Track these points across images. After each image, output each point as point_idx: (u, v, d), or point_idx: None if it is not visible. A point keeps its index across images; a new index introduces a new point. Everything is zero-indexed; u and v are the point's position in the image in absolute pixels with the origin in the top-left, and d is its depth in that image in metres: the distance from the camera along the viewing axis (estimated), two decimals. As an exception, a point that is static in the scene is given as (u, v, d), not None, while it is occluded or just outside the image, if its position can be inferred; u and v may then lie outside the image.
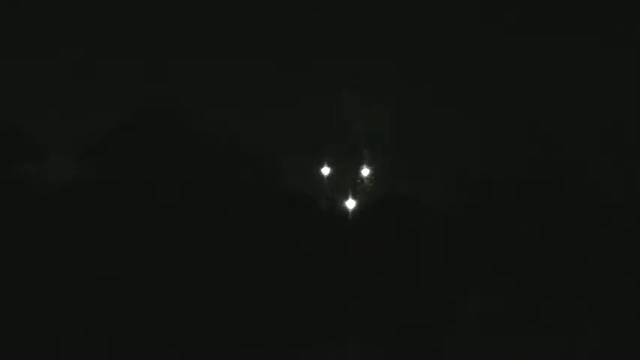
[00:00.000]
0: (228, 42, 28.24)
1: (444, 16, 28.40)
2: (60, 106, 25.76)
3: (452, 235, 23.05)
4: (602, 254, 22.62)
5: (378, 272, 22.42)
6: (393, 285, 22.39)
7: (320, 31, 27.79)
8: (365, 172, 24.63)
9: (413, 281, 22.41)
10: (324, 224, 23.45)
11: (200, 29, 28.36)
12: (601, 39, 26.77)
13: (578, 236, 22.86)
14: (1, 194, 22.28)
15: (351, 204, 24.48)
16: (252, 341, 21.24)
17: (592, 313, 21.90)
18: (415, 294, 22.26)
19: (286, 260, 22.05)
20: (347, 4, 28.28)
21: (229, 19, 28.51)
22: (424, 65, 27.30)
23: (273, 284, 21.75)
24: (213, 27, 28.48)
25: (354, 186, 24.50)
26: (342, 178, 24.68)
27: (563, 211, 23.07)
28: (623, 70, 25.52)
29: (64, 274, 21.46)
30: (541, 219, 22.94)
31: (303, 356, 21.15)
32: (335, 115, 24.66)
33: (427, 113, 25.61)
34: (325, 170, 24.66)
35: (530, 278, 22.21)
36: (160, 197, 22.50)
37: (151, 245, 21.85)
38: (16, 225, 21.81)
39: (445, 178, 23.83)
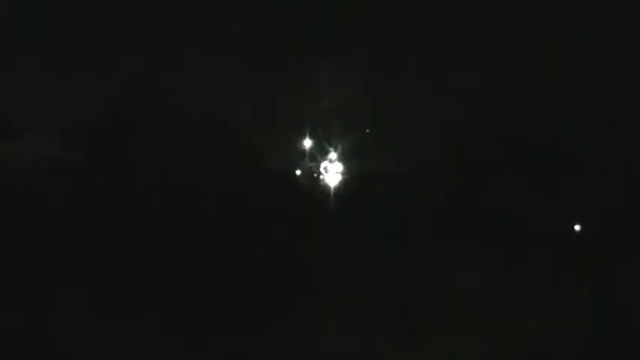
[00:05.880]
0: (210, 28, 28.37)
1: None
2: (40, 88, 25.92)
3: (435, 210, 23.21)
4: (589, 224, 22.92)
5: (361, 250, 22.54)
6: (379, 263, 22.49)
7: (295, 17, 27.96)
8: (344, 149, 24.87)
9: (397, 258, 22.53)
10: (306, 201, 23.65)
11: (183, 17, 28.51)
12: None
13: (565, 207, 23.09)
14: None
15: (332, 181, 24.75)
16: (234, 325, 21.26)
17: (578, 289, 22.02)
18: (401, 270, 22.36)
19: (270, 237, 22.15)
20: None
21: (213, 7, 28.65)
22: (401, 41, 27.39)
23: (256, 263, 21.81)
24: (197, 14, 28.62)
25: (336, 163, 24.76)
26: (323, 156, 24.96)
27: (548, 182, 23.27)
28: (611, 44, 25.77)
29: (41, 258, 21.49)
30: (525, 190, 23.10)
31: (292, 333, 21.13)
32: (313, 95, 24.93)
33: (405, 88, 25.85)
34: (306, 147, 25.01)
35: (515, 252, 22.35)
36: (142, 178, 22.62)
37: (132, 228, 21.91)
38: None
39: (424, 152, 24.08)
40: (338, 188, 24.64)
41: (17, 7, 27.35)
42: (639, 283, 21.83)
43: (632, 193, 23.24)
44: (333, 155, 25.02)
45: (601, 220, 23.06)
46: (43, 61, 26.93)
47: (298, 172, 25.26)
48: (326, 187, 24.85)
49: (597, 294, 21.51)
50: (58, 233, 21.75)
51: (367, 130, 24.82)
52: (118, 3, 28.15)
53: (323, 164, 24.95)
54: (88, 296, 20.97)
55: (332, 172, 24.89)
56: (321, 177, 25.04)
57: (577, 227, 23.21)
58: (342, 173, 24.88)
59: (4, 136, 23.19)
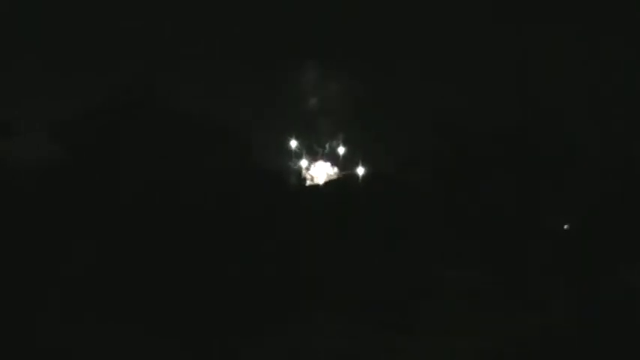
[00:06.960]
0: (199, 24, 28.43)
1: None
2: (40, 88, 26.01)
3: (434, 210, 23.20)
4: (589, 224, 22.90)
5: (360, 250, 22.53)
6: (378, 263, 22.49)
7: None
8: (343, 149, 24.98)
9: (397, 258, 22.51)
10: (306, 201, 23.66)
11: (183, 17, 28.54)
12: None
13: (564, 207, 23.10)
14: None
15: (331, 181, 24.85)
16: (233, 325, 21.23)
17: (577, 288, 22.01)
18: (400, 270, 22.36)
19: (269, 237, 22.13)
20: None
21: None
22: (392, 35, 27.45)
23: (256, 263, 21.79)
24: (197, 14, 28.65)
25: (335, 163, 24.91)
26: (323, 156, 25.08)
27: (548, 182, 23.29)
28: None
29: (41, 257, 21.45)
30: (525, 189, 23.11)
31: (283, 333, 21.14)
32: (313, 95, 25.05)
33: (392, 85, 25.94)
34: (295, 144, 25.16)
35: (515, 252, 22.34)
36: (142, 178, 22.61)
37: (132, 227, 21.88)
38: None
39: (423, 151, 24.11)
40: (337, 188, 24.72)
41: (17, 7, 27.42)
42: (638, 283, 21.89)
43: (631, 193, 23.26)
44: (332, 155, 25.21)
45: (601, 219, 23.07)
46: (43, 61, 27.03)
47: (297, 172, 25.40)
48: (325, 187, 24.96)
49: (597, 294, 21.53)
50: (58, 233, 21.78)
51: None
52: (118, 3, 28.23)
53: (322, 164, 25.10)
54: (87, 296, 20.96)
55: (331, 172, 25.05)
56: (320, 176, 25.19)
57: (576, 227, 23.22)
58: (341, 173, 25.03)
59: (4, 136, 23.21)
